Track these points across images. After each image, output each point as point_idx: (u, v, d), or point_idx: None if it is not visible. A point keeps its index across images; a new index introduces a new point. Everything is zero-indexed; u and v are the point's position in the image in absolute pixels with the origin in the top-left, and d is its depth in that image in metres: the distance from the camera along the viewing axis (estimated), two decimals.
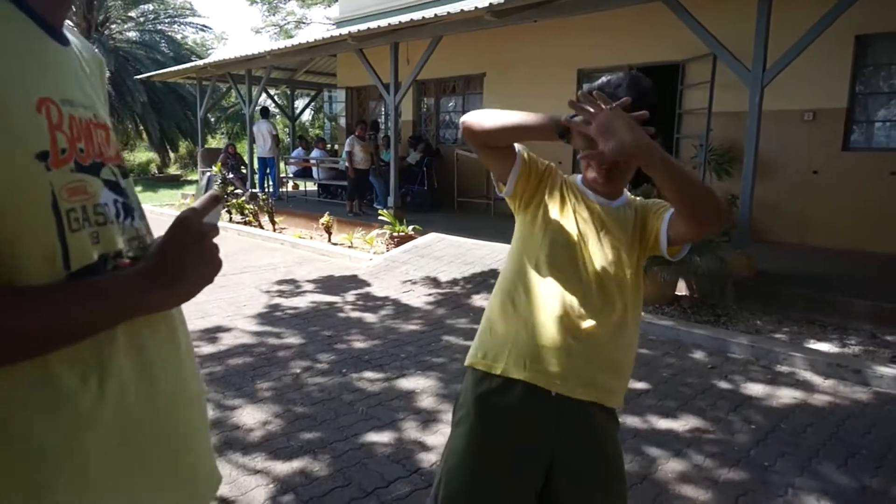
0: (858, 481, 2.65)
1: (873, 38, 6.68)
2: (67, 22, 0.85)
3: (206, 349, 4.26)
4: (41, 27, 0.75)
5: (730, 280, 5.33)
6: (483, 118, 1.41)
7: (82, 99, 0.79)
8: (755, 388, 3.67)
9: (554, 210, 1.47)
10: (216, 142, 24.86)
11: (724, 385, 3.73)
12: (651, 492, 2.56)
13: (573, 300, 1.39)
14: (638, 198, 1.56)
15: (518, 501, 1.40)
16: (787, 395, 3.57)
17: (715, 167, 7.37)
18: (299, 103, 18.23)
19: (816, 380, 3.82)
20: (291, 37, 27.25)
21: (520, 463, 1.39)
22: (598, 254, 1.43)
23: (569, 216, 1.46)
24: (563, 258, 1.43)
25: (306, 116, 26.19)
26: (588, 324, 1.38)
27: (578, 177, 1.54)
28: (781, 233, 7.35)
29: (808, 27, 5.14)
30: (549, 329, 1.39)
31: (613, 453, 1.46)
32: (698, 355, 4.27)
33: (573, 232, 1.44)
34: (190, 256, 0.77)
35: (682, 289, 5.62)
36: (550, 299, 1.40)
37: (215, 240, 0.82)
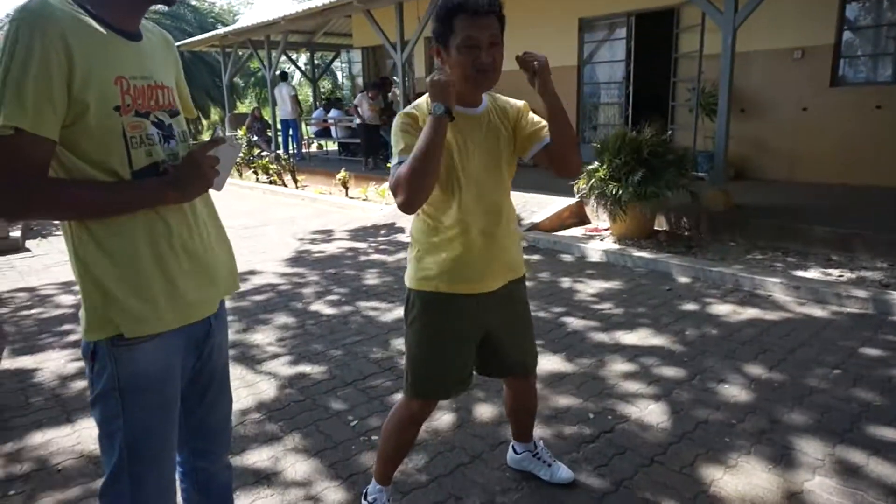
0: (764, 371, 3.15)
1: None
2: None
3: None
4: (118, 34, 1.31)
5: (704, 214, 5.73)
6: (404, 187, 1.62)
7: (142, 73, 1.35)
8: (708, 306, 4.15)
9: None
10: (245, 107, 25.51)
11: (683, 305, 4.20)
12: (597, 387, 3.04)
13: (473, 214, 1.78)
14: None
15: (464, 360, 1.91)
16: (731, 311, 4.04)
17: (707, 109, 7.61)
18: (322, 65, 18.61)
19: (761, 295, 4.27)
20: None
21: (462, 339, 1.88)
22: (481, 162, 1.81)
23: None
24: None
25: (339, 79, 26.42)
26: (489, 230, 1.81)
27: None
28: (773, 170, 7.61)
29: None
30: (463, 246, 1.79)
31: (525, 308, 2.01)
32: (665, 281, 4.74)
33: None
34: (190, 175, 1.34)
35: (661, 224, 6.04)
36: (460, 220, 1.79)
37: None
